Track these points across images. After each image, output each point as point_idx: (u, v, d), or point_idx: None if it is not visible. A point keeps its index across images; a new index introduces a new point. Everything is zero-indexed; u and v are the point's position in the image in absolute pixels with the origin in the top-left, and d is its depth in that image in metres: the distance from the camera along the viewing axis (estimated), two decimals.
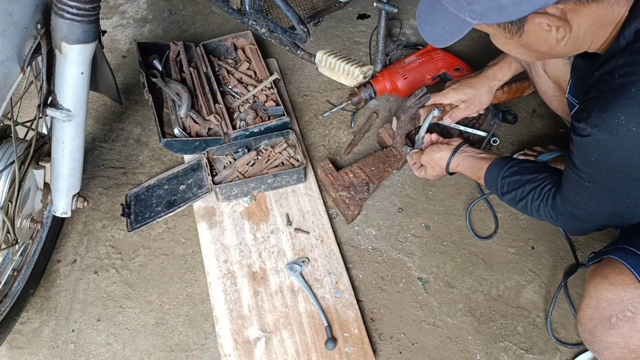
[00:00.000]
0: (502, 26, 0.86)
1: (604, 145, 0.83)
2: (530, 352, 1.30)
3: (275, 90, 1.70)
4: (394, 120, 1.50)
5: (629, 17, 0.82)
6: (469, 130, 1.66)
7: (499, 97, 1.54)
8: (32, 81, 1.20)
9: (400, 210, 1.53)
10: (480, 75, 1.43)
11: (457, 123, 1.67)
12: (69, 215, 1.29)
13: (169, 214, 1.51)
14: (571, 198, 1.00)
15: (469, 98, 1.43)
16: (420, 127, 1.48)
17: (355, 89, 1.67)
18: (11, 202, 1.15)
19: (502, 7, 0.80)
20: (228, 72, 1.79)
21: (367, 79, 1.65)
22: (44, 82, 1.07)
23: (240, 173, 1.54)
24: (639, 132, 0.78)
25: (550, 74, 1.32)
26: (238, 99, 1.70)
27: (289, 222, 1.49)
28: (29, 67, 1.03)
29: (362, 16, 2.04)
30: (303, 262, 1.41)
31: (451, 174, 1.38)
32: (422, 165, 1.42)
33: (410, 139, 1.61)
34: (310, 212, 1.51)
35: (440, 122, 1.50)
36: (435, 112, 1.45)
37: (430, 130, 1.46)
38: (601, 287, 0.94)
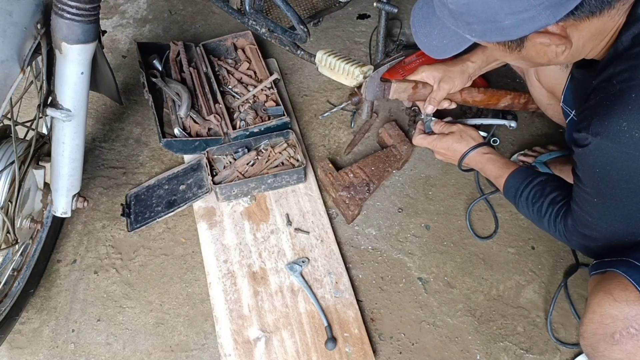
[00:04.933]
0: (501, 43, 0.85)
1: (608, 154, 0.81)
2: (530, 352, 1.30)
3: (275, 90, 1.70)
4: (363, 82, 1.38)
5: (626, 23, 0.81)
6: None
7: (474, 96, 1.45)
8: (32, 81, 1.20)
9: (400, 210, 1.53)
10: (455, 57, 1.28)
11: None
12: (69, 215, 1.29)
13: (169, 214, 1.51)
14: (582, 218, 0.96)
15: (442, 76, 1.34)
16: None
17: (355, 89, 1.66)
18: (11, 202, 1.15)
19: (502, 29, 0.79)
20: (228, 72, 1.79)
21: (367, 79, 1.64)
22: (44, 82, 1.07)
23: (240, 173, 1.54)
24: None
25: (543, 83, 1.30)
26: (238, 99, 1.70)
27: (289, 222, 1.49)
28: (29, 67, 1.03)
29: (362, 16, 2.04)
30: (303, 262, 1.41)
31: (463, 169, 1.30)
32: (445, 136, 1.31)
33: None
34: (310, 212, 1.51)
35: (423, 113, 1.40)
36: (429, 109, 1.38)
37: (440, 115, 1.38)
38: (605, 303, 0.92)
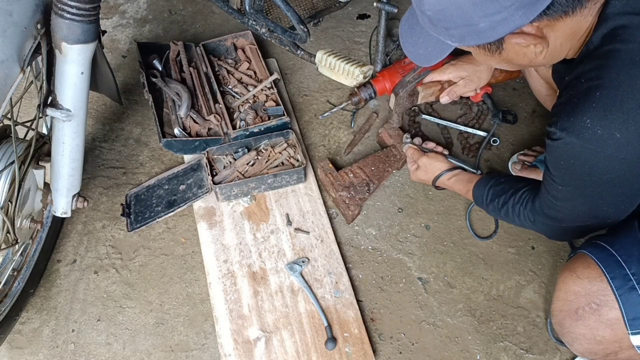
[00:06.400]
0: (481, 47, 0.89)
1: (572, 149, 0.86)
2: (530, 352, 1.30)
3: (275, 90, 1.70)
4: (392, 97, 1.49)
5: (598, 23, 0.84)
6: (469, 130, 1.66)
7: (496, 76, 1.53)
8: (32, 81, 1.20)
9: (400, 210, 1.53)
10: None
11: (456, 123, 1.67)
12: (69, 215, 1.29)
13: (169, 214, 1.51)
14: (548, 201, 1.02)
15: (469, 74, 1.42)
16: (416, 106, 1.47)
17: (355, 89, 1.67)
18: (11, 202, 1.15)
19: (479, 32, 0.82)
20: (228, 72, 1.79)
21: (367, 79, 1.65)
22: (44, 82, 1.07)
23: (240, 173, 1.54)
24: (604, 134, 0.80)
25: (541, 74, 1.33)
26: (238, 99, 1.70)
27: (289, 222, 1.49)
28: (29, 67, 1.03)
29: (362, 16, 2.04)
30: (303, 262, 1.41)
31: (436, 187, 1.42)
32: (416, 163, 1.45)
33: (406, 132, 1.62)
34: (310, 212, 1.51)
35: (438, 100, 1.49)
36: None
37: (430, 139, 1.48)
38: (569, 280, 0.97)
